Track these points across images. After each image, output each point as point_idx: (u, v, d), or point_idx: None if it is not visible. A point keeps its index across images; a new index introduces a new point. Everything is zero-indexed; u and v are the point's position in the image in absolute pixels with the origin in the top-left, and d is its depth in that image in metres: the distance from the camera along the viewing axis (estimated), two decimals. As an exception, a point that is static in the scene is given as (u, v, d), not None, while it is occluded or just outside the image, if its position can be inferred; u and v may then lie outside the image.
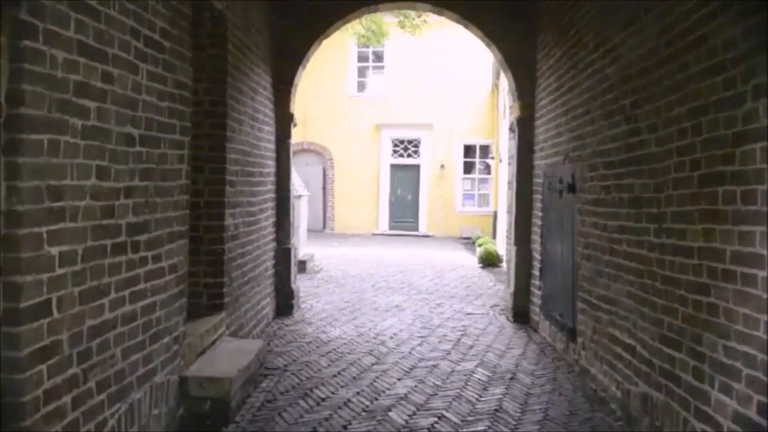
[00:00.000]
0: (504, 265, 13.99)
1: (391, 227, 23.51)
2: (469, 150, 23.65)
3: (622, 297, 5.19)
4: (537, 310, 8.09)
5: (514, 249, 8.58)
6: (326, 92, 23.51)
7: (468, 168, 23.81)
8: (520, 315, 8.48)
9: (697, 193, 3.92)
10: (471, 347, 7.24)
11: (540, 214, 7.99)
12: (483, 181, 23.71)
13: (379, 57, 24.09)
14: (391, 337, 7.58)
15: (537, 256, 8.11)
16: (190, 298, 5.88)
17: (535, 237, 8.21)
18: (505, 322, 8.58)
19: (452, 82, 22.96)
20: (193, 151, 5.94)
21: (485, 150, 23.55)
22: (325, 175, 23.92)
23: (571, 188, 6.57)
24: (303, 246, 13.48)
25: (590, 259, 6.02)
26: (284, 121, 8.60)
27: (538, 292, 8.02)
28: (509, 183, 10.99)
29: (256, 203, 7.36)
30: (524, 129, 8.52)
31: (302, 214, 13.36)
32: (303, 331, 7.80)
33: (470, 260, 15.73)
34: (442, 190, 23.37)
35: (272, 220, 8.34)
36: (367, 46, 23.70)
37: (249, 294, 7.06)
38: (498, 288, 11.43)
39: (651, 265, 4.60)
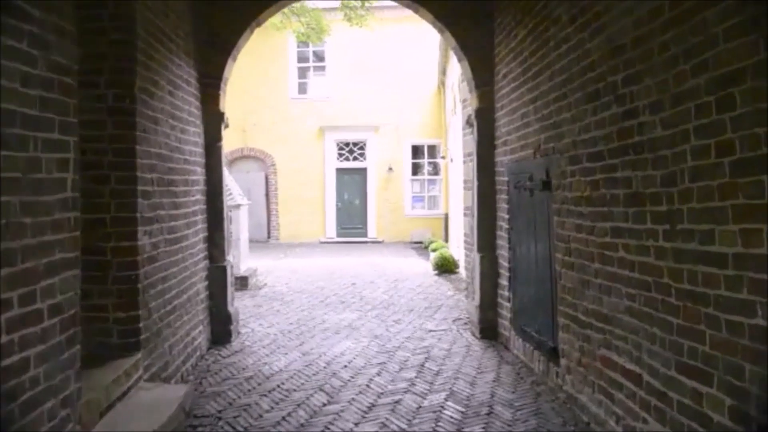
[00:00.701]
0: (461, 271, 13.17)
1: (339, 234, 22.50)
2: (417, 151, 22.85)
3: (620, 313, 4.33)
4: (507, 324, 7.23)
5: (477, 256, 7.71)
6: (266, 95, 22.40)
7: (416, 169, 23.00)
8: (488, 330, 7.61)
9: (730, 185, 3.08)
10: (437, 374, 6.30)
11: (506, 216, 7.13)
12: (432, 182, 22.94)
13: (319, 57, 23.08)
14: (345, 366, 6.58)
15: (505, 263, 7.25)
16: (97, 337, 4.82)
17: (502, 242, 7.35)
18: (471, 339, 7.69)
19: (397, 81, 22.13)
20: (95, 157, 4.90)
21: (433, 150, 22.78)
22: (267, 182, 22.75)
23: (546, 186, 5.72)
24: (244, 260, 12.37)
25: (573, 267, 5.17)
26: (214, 121, 7.54)
27: (508, 305, 7.16)
28: (466, 183, 10.15)
29: (180, 217, 6.28)
30: (484, 122, 7.66)
31: (242, 225, 12.26)
32: (242, 364, 6.73)
33: (424, 267, 14.86)
34: (391, 193, 22.50)
35: (203, 235, 7.26)
36: (307, 45, 22.68)
37: (175, 325, 5.97)
38: (458, 298, 10.56)
39: (661, 276, 3.74)
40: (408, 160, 22.65)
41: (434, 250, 16.21)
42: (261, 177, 22.76)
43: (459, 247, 14.37)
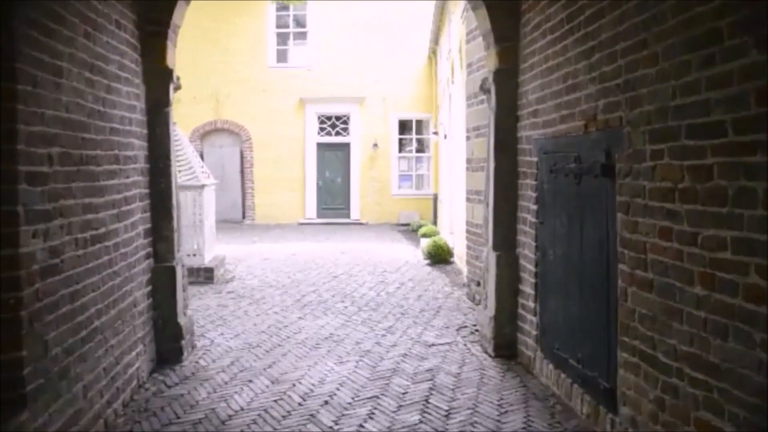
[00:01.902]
0: (456, 260, 11.66)
1: (319, 215, 20.86)
2: (404, 126, 21.20)
3: (744, 368, 2.82)
4: (530, 342, 5.71)
5: (492, 255, 6.15)
6: (241, 64, 20.59)
7: (404, 146, 21.37)
8: (504, 347, 6.09)
9: None
10: (447, 415, 4.77)
11: (534, 207, 5.57)
12: (420, 160, 21.35)
13: (300, 23, 21.25)
14: (326, 402, 5.02)
15: (529, 266, 5.71)
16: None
17: (526, 239, 5.80)
18: (483, 358, 6.16)
19: (384, 50, 20.40)
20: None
21: (422, 125, 21.16)
22: (242, 158, 21.01)
23: (606, 170, 4.16)
24: (210, 248, 10.74)
25: (651, 287, 3.63)
26: (159, 80, 5.86)
27: (533, 319, 5.63)
28: (470, 162, 8.66)
29: (105, 206, 4.64)
30: (504, 87, 6.07)
31: (207, 208, 10.61)
32: (192, 398, 5.14)
33: (414, 254, 13.31)
34: (376, 171, 20.87)
35: (144, 227, 5.63)
36: (287, 9, 20.90)
37: (94, 355, 4.37)
38: (458, 297, 9.04)
39: None
40: (395, 136, 21.00)
41: (425, 236, 14.71)
42: (235, 152, 21.01)
43: (452, 233, 12.86)
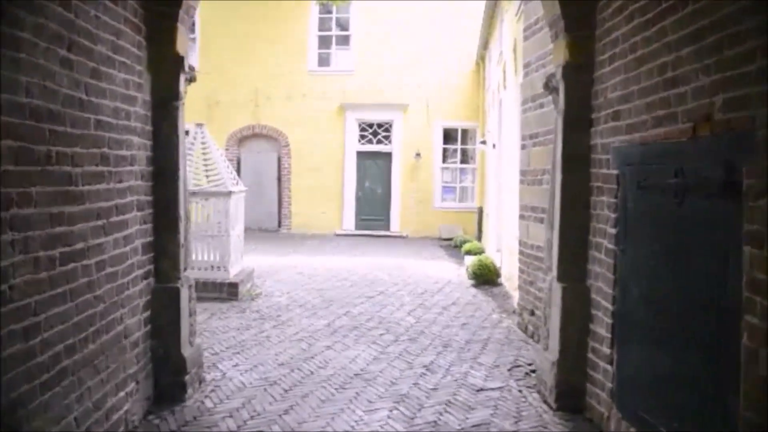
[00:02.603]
0: (504, 282, 10.60)
1: (357, 226, 19.95)
2: (449, 135, 20.17)
3: None
4: (604, 396, 4.64)
5: (557, 287, 5.10)
6: (282, 67, 19.88)
7: (447, 156, 20.34)
8: (568, 397, 5.03)
9: None
10: (503, 494, 3.77)
11: (612, 230, 4.52)
12: (465, 171, 20.29)
13: (343, 26, 20.45)
14: (350, 469, 4.07)
15: (605, 303, 4.65)
16: None
17: (601, 270, 4.75)
18: (543, 410, 5.11)
19: (429, 55, 19.48)
20: None
21: (467, 135, 20.12)
22: (280, 164, 20.26)
23: (726, 188, 3.12)
24: (236, 261, 9.89)
25: (801, 353, 2.58)
26: (167, 68, 5.00)
27: (607, 368, 4.57)
28: (525, 174, 7.63)
29: (84, 216, 3.78)
30: (575, 84, 5.04)
31: (234, 217, 9.77)
32: (186, 453, 4.25)
33: (457, 273, 12.28)
34: (418, 183, 19.87)
35: (141, 241, 4.76)
36: (330, 12, 20.14)
37: (57, 405, 3.47)
38: (508, 325, 7.99)
39: None
40: (439, 145, 19.98)
41: (468, 252, 13.69)
42: (273, 158, 20.28)
43: (500, 251, 11.80)
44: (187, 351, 5.21)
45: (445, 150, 20.15)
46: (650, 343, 4.00)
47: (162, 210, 5.03)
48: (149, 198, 4.91)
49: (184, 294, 5.19)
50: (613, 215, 4.53)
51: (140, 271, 4.76)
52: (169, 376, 5.07)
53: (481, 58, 18.43)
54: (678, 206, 3.60)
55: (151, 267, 4.98)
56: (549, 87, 5.44)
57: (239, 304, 8.99)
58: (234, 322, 7.92)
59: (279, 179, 20.24)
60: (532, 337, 7.34)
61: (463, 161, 20.28)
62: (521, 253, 7.83)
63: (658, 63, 3.86)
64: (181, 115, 5.18)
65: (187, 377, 5.17)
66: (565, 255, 5.08)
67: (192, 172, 9.57)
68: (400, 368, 6.13)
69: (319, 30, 20.29)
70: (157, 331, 5.01)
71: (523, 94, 8.03)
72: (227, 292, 9.27)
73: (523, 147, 7.85)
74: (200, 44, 20.29)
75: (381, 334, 7.44)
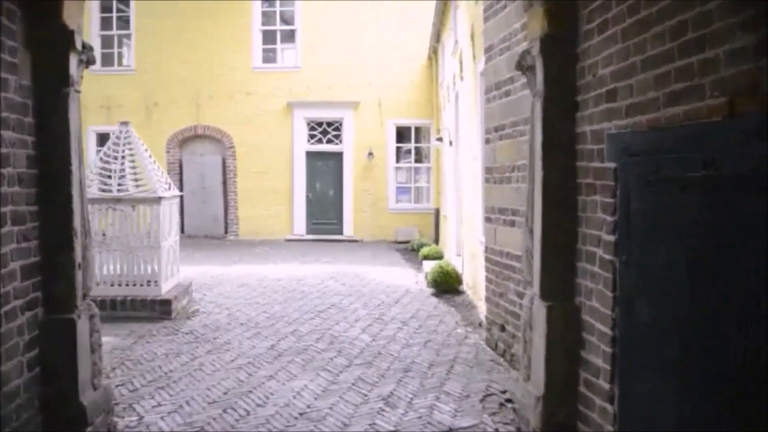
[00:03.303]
0: (467, 289, 9.79)
1: (309, 230, 18.93)
2: (402, 133, 19.31)
3: None
4: (602, 439, 3.81)
5: (541, 306, 4.24)
6: (224, 65, 18.81)
7: (401, 155, 19.48)
8: (556, 437, 4.20)
9: None
10: None
11: (609, 237, 3.68)
12: (420, 171, 19.47)
13: (288, 21, 19.40)
14: None
15: (600, 326, 3.81)
16: None
17: (593, 285, 3.90)
18: (527, 454, 4.27)
19: (380, 50, 18.61)
20: None
21: (421, 133, 19.32)
22: (225, 166, 19.11)
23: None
24: (170, 275, 8.82)
25: None
26: (52, 45, 3.98)
27: (607, 407, 3.72)
28: (490, 172, 6.79)
29: None
30: (556, 59, 4.19)
31: (166, 225, 8.69)
32: None
33: (416, 280, 11.42)
34: (371, 183, 18.96)
35: (22, 263, 3.73)
36: (273, 5, 19.12)
37: None
38: (475, 341, 7.16)
39: None
40: (392, 144, 19.09)
41: (427, 257, 12.87)
42: (217, 161, 19.12)
43: (460, 255, 11.00)
44: (89, 396, 4.19)
45: (398, 149, 19.30)
46: (666, 379, 3.16)
47: (51, 222, 4.00)
48: (32, 208, 3.88)
49: (83, 326, 4.16)
50: (609, 218, 3.69)
51: (19, 302, 3.73)
52: (65, 430, 4.05)
53: (434, 52, 17.65)
54: (708, 206, 2.77)
55: (38, 294, 3.95)
56: (523, 66, 4.58)
57: (172, 324, 7.93)
58: (163, 347, 6.88)
59: (224, 182, 19.10)
60: (503, 355, 6.51)
61: (417, 160, 19.46)
62: (488, 260, 6.99)
63: (673, 23, 3.03)
64: (75, 105, 4.15)
65: (88, 429, 4.15)
66: (549, 267, 4.22)
67: (116, 177, 8.48)
68: (354, 403, 5.20)
69: (263, 25, 19.21)
70: (48, 375, 3.98)
71: (485, 81, 7.20)
72: (159, 310, 8.21)
73: (487, 141, 7.02)
74: (135, 41, 19.05)
75: (332, 358, 6.50)
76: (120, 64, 19.39)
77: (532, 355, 4.42)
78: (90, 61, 4.41)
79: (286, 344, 7.01)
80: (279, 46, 19.42)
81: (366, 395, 5.38)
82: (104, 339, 7.10)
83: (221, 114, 18.86)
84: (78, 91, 4.21)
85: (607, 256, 3.72)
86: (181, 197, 18.83)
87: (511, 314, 6.30)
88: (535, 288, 4.36)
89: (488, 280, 7.05)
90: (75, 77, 4.14)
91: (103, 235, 8.49)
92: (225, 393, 5.41)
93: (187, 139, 19.09)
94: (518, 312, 6.08)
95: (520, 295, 5.97)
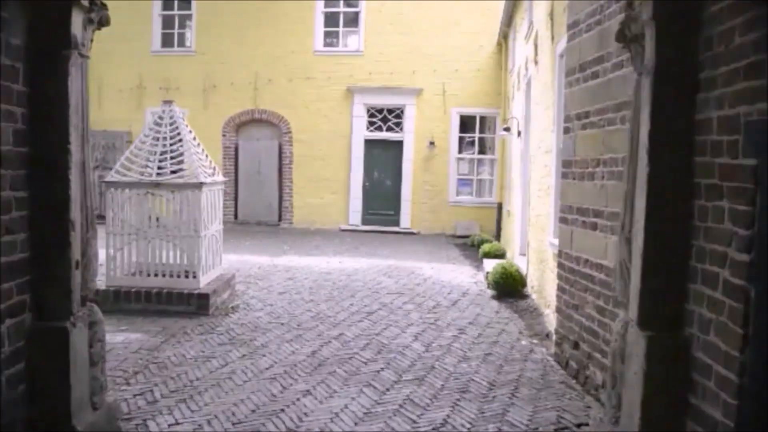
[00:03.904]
0: (532, 293, 8.89)
1: (365, 221, 18.24)
2: (466, 123, 18.36)
3: None
4: None
5: (639, 337, 3.35)
6: (284, 48, 18.24)
7: (464, 146, 18.54)
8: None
9: None
10: None
11: (743, 257, 2.76)
12: (482, 162, 18.49)
13: (351, 3, 18.67)
14: None
15: (721, 369, 2.91)
16: None
17: (711, 315, 3.00)
18: None
19: (446, 35, 17.74)
20: None
21: (486, 123, 18.33)
22: (281, 152, 18.59)
23: None
24: (210, 266, 8.22)
25: None
26: (51, -1, 3.32)
27: (727, 474, 2.85)
28: (569, 166, 5.88)
29: None
30: (676, 26, 3.27)
31: (208, 213, 8.09)
32: None
33: (475, 280, 10.56)
34: (432, 174, 18.11)
35: (8, 260, 3.09)
36: (336, -13, 18.44)
37: None
38: (542, 356, 6.28)
39: None
40: (455, 134, 18.18)
41: (487, 255, 12.00)
42: (274, 146, 18.61)
43: (525, 255, 10.10)
44: (85, 419, 3.54)
45: (461, 139, 18.36)
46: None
47: (43, 212, 3.35)
48: (19, 194, 3.23)
49: (79, 336, 3.51)
50: (743, 231, 2.79)
51: (4, 305, 3.09)
52: (52, 459, 3.41)
53: (504, 37, 16.64)
54: None
55: (25, 298, 3.31)
56: (625, 37, 3.67)
57: (208, 320, 7.32)
58: (194, 348, 6.25)
59: (280, 169, 18.58)
60: (575, 377, 5.63)
61: (480, 152, 18.49)
62: (561, 266, 6.08)
63: None
64: (78, 72, 3.48)
65: (83, 459, 3.50)
66: (652, 288, 3.33)
67: (156, 160, 7.91)
68: (400, 431, 4.43)
69: (326, 7, 18.53)
70: (36, 394, 3.35)
71: (566, 63, 6.27)
72: (196, 304, 7.61)
73: (566, 131, 6.09)
74: (196, 22, 18.69)
75: (379, 371, 5.74)
76: (181, 45, 19.01)
77: (624, 394, 3.54)
78: (103, 22, 3.73)
79: (329, 351, 6.29)
80: (341, 29, 18.71)
81: (415, 422, 4.59)
82: (133, 336, 6.57)
83: (279, 98, 18.33)
84: (84, 56, 3.54)
85: (737, 281, 2.82)
86: (236, 183, 18.56)
87: (588, 331, 5.41)
88: (632, 312, 3.47)
89: (560, 289, 6.15)
90: (79, 38, 3.46)
91: (157, 220, 7.96)
92: (253, 411, 4.71)
93: (244, 123, 18.64)
94: (596, 329, 5.20)
95: (601, 311, 5.09)
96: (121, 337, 6.51)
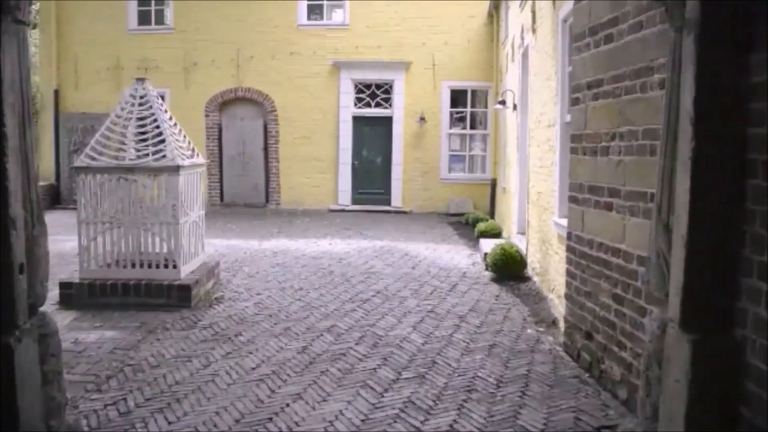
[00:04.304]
0: (533, 275, 8.45)
1: (354, 200, 17.71)
2: (457, 97, 17.78)
3: None
4: None
5: (683, 340, 2.89)
6: (267, 23, 17.55)
7: (455, 121, 17.99)
8: None
9: None
10: None
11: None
12: (474, 138, 17.95)
13: (336, -27, 17.97)
14: None
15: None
16: None
17: (776, 316, 2.55)
18: None
19: (435, 6, 17.07)
20: None
21: (477, 97, 17.77)
22: (266, 131, 17.97)
23: None
24: (192, 254, 7.72)
25: None
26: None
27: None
28: (577, 140, 5.39)
29: None
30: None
31: (189, 198, 7.56)
32: None
33: (472, 260, 10.12)
34: (423, 151, 17.57)
35: None
36: (320, -44, 17.70)
37: None
38: (550, 346, 5.83)
39: None
40: (446, 109, 17.60)
41: (484, 234, 11.55)
42: (258, 125, 17.98)
43: (523, 233, 9.66)
44: (34, 449, 3.04)
45: (452, 114, 17.79)
46: None
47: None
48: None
49: (26, 353, 2.98)
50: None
51: (-76, 324, 2.57)
52: (0, 497, 2.91)
53: (495, 9, 16.04)
54: None
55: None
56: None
57: (190, 313, 6.82)
58: (174, 346, 5.75)
59: (266, 148, 17.97)
60: (588, 369, 5.18)
61: (472, 127, 17.94)
62: (572, 250, 5.61)
63: None
64: (14, 41, 2.92)
65: (36, 494, 3.01)
66: (698, 283, 2.86)
67: (130, 143, 7.35)
68: (402, 445, 3.97)
69: (309, -22, 17.83)
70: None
71: (575, 27, 5.72)
72: (177, 297, 7.09)
73: (575, 102, 5.58)
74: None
75: (376, 368, 5.26)
76: (159, 22, 18.24)
77: (662, 405, 3.08)
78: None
79: (321, 346, 5.80)
80: (325, 1, 18.01)
81: (419, 429, 4.12)
82: (108, 334, 6.06)
83: (263, 75, 17.68)
84: (21, 22, 2.97)
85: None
86: (220, 164, 17.96)
87: (603, 321, 4.95)
88: (672, 311, 3.00)
89: (570, 275, 5.68)
90: (12, 0, 2.90)
91: (140, 207, 7.40)
92: (237, 421, 4.22)
93: (227, 102, 17.98)
94: (613, 320, 4.75)
95: (619, 300, 4.63)
96: (94, 336, 6.00)
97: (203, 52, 17.70)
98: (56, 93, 18.21)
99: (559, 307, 6.71)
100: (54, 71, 18.15)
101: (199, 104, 17.76)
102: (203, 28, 17.61)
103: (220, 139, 18.02)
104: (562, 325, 6.32)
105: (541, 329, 6.45)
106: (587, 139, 5.27)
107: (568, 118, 6.43)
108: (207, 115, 17.84)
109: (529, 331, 6.40)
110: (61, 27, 18.15)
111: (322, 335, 6.14)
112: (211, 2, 17.47)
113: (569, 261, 5.69)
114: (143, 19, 18.16)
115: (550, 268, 7.39)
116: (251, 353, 5.60)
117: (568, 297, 5.74)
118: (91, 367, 5.20)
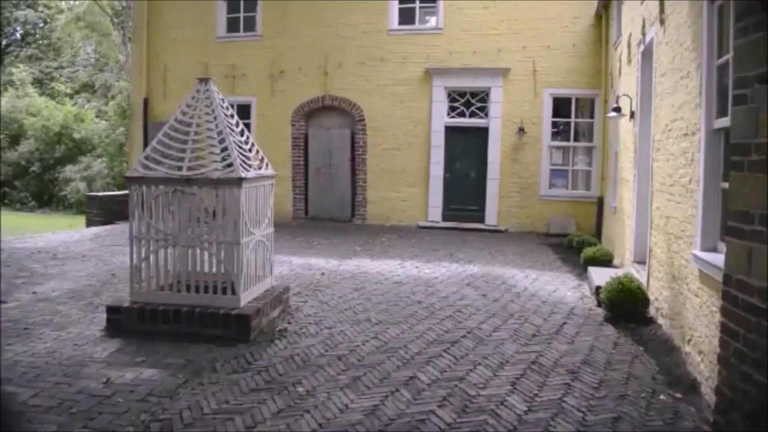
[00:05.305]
0: (656, 315, 6.97)
1: (445, 217, 16.48)
2: (560, 106, 16.25)
3: None
4: None
5: None
6: (356, 27, 16.70)
7: (559, 132, 16.47)
8: None
9: None
10: None
11: None
12: (579, 151, 16.36)
13: (431, -24, 16.90)
14: None
15: None
16: None
17: None
18: None
19: (536, 9, 15.70)
20: None
21: (585, 105, 16.18)
22: (353, 142, 17.05)
23: None
24: (255, 279, 6.74)
25: None
26: None
27: None
28: (741, 151, 3.94)
29: None
30: None
31: (254, 213, 6.59)
32: None
33: (579, 293, 8.68)
34: (521, 165, 16.13)
35: None
36: (414, -44, 16.70)
37: None
38: (690, 421, 4.42)
39: None
40: (547, 119, 16.08)
41: (592, 261, 10.07)
42: (346, 135, 17.09)
43: (643, 263, 8.18)
44: None
45: (554, 124, 16.29)
46: None
47: None
48: None
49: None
50: None
51: None
52: None
53: (605, 8, 14.48)
54: None
55: None
56: None
57: (247, 349, 5.82)
58: (217, 396, 4.73)
59: (352, 159, 17.05)
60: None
61: (576, 138, 16.36)
62: (732, 300, 4.17)
63: None
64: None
65: None
66: None
67: (190, 151, 6.46)
68: None
69: (402, -20, 16.84)
70: None
71: (736, 6, 4.33)
72: (234, 328, 6.12)
73: (740, 101, 4.15)
74: (262, 6, 17.36)
75: (463, 447, 4.04)
76: (248, 29, 17.72)
77: None
78: None
79: (393, 408, 4.62)
80: (417, 5, 16.94)
81: None
82: (147, 373, 5.08)
83: (351, 83, 16.80)
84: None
85: None
86: (305, 175, 17.17)
87: (782, 403, 3.52)
88: None
89: (728, 332, 4.24)
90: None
91: (206, 223, 6.49)
92: None
93: (313, 111, 17.22)
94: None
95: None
96: (130, 375, 5.08)
97: (290, 59, 17.04)
98: (146, 102, 18.07)
99: (699, 365, 5.27)
100: (144, 80, 18.03)
101: (285, 113, 17.11)
102: (291, 35, 16.97)
103: (305, 149, 17.27)
104: (704, 390, 4.90)
105: (677, 395, 5.02)
106: (760, 150, 3.85)
107: (721, 123, 5.01)
108: (293, 125, 17.15)
109: (661, 397, 4.99)
110: (151, 36, 18.01)
111: (398, 391, 4.96)
112: (300, 8, 16.83)
113: (727, 313, 4.25)
114: (232, 26, 17.74)
115: (685, 312, 5.92)
116: (308, 412, 4.50)
117: (723, 361, 4.30)
118: (112, 420, 4.25)
